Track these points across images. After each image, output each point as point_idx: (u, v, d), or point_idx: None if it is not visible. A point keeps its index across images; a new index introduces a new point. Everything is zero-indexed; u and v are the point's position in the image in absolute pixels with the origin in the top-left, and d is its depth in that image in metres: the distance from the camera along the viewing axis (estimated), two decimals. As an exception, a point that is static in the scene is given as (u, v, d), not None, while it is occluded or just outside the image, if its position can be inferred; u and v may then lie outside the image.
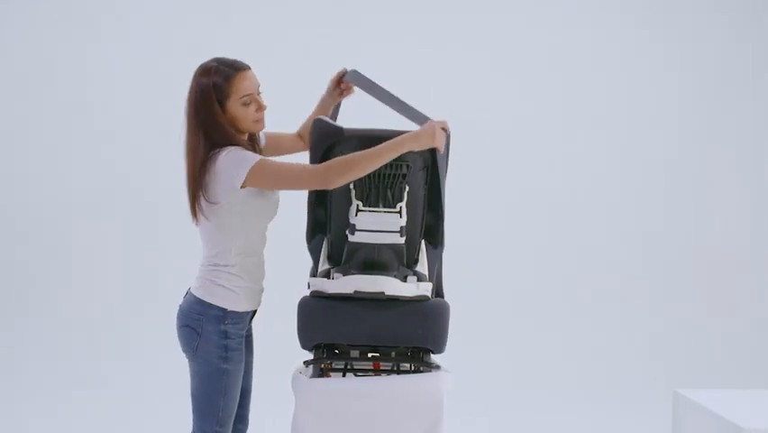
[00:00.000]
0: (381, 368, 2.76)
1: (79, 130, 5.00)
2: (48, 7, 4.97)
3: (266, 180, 2.30)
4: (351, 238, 2.47)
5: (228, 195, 2.31)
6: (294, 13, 5.02)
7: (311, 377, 2.52)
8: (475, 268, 4.83)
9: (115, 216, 4.97)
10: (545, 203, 5.14)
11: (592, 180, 5.18)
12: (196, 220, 2.38)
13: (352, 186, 2.41)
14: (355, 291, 2.47)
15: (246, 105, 2.34)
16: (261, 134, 2.58)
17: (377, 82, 2.55)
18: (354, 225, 2.44)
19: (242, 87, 2.31)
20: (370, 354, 2.72)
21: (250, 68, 2.36)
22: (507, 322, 4.94)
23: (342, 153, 2.38)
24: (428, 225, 2.62)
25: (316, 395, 2.46)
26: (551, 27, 5.16)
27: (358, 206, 2.41)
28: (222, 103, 2.32)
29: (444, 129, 2.37)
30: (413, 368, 2.67)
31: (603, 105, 5.20)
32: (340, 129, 2.36)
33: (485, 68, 5.12)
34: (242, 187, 2.29)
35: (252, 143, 2.46)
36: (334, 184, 2.27)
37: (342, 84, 2.67)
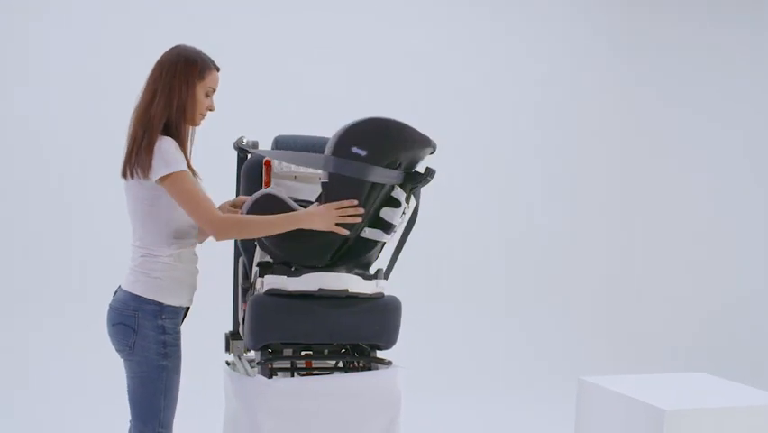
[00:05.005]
0: (314, 366, 2.75)
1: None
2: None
3: (177, 193, 2.25)
4: None
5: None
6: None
7: (268, 378, 2.45)
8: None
9: (31, 215, 4.67)
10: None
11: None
12: (127, 179, 2.29)
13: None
14: (319, 289, 2.44)
15: (207, 96, 2.39)
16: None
17: None
18: None
19: (212, 79, 2.40)
20: (303, 353, 2.69)
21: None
22: (417, 320, 5.01)
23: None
24: None
25: (279, 396, 2.41)
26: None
27: None
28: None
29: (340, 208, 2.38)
30: (361, 365, 2.68)
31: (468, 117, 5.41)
32: None
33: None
34: (156, 182, 2.25)
35: (186, 139, 2.38)
36: (223, 238, 2.29)
37: None
